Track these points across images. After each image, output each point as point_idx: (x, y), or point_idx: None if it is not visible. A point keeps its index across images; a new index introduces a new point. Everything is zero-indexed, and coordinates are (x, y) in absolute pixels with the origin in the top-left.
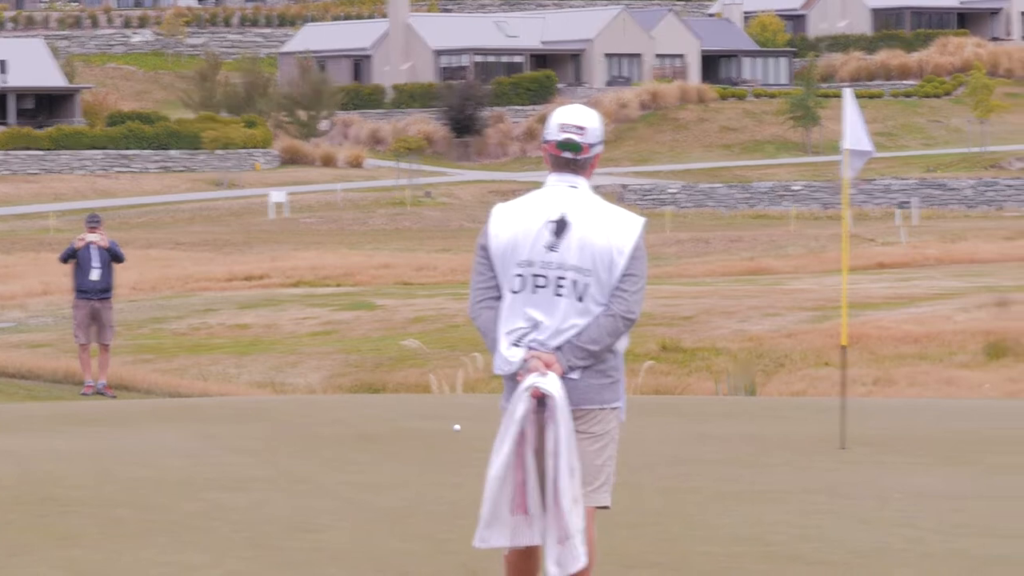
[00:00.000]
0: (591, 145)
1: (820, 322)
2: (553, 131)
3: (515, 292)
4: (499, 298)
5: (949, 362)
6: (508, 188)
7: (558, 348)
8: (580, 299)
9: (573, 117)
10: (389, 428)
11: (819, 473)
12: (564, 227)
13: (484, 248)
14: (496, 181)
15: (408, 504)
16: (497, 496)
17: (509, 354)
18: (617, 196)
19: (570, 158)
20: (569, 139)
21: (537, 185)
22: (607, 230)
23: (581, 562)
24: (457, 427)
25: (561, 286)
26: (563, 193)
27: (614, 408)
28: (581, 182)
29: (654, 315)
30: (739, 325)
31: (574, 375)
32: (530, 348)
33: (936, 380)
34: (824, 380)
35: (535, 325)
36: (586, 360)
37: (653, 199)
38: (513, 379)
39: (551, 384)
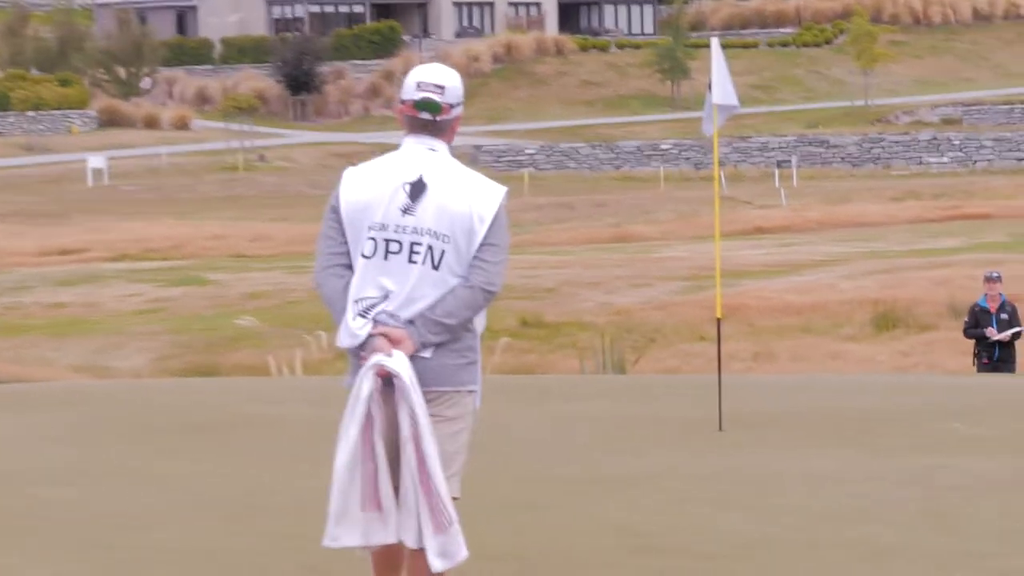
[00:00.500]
0: (451, 105)
1: (694, 293)
2: (410, 90)
3: (367, 257)
4: (348, 267)
5: (835, 335)
6: (351, 150)
7: (410, 321)
8: (436, 267)
9: (432, 75)
10: (224, 414)
11: (696, 457)
12: (421, 189)
13: (335, 211)
14: (338, 143)
15: (247, 497)
16: (347, 489)
17: (355, 325)
18: (469, 158)
19: (428, 119)
20: (427, 99)
21: (383, 147)
22: (468, 195)
23: (464, 551)
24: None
25: (416, 252)
26: (421, 156)
27: (470, 391)
28: (440, 145)
29: (513, 287)
30: (605, 297)
31: (426, 353)
32: (377, 321)
33: (821, 354)
34: (699, 356)
35: (385, 295)
36: (441, 335)
37: (509, 161)
38: (358, 354)
39: (398, 363)
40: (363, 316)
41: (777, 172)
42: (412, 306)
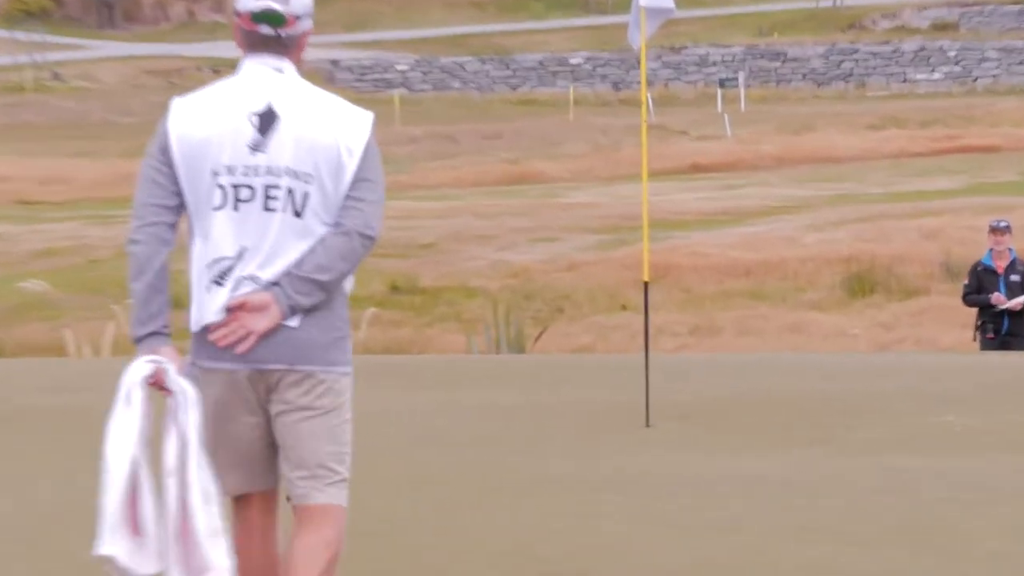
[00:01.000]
0: (298, 17)
1: (613, 249)
2: (252, 2)
3: (216, 208)
4: (174, 225)
5: (795, 302)
6: (171, 66)
7: (275, 284)
8: (298, 214)
9: None
10: (7, 407)
11: (614, 459)
12: (272, 120)
13: (163, 152)
14: (154, 57)
15: (37, 513)
16: (121, 500)
17: (209, 298)
18: (323, 77)
19: (270, 34)
20: (268, 8)
21: (212, 63)
22: (330, 124)
23: None
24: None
25: (272, 197)
26: (266, 79)
27: (345, 373)
28: (287, 66)
29: (380, 243)
30: (499, 255)
31: (293, 322)
32: (220, 285)
33: (777, 327)
34: (620, 330)
35: (240, 254)
36: (313, 296)
37: (375, 80)
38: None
39: (173, 376)
40: (219, 283)
41: (720, 93)
42: (274, 264)
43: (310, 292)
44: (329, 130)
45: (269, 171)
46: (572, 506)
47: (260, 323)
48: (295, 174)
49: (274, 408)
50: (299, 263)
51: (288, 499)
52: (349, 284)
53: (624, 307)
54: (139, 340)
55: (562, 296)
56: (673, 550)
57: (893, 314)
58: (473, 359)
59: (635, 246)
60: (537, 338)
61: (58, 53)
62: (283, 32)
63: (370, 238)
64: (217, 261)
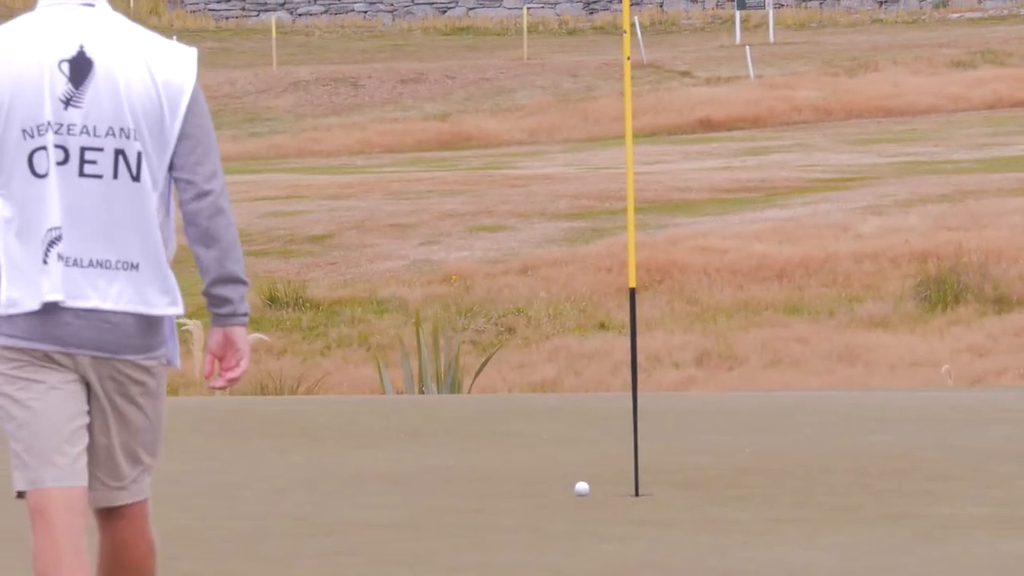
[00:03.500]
0: None
1: (586, 242)
2: None
3: (35, 175)
4: None
5: (849, 315)
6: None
7: (104, 263)
8: (136, 177)
9: None
10: None
11: (592, 546)
12: (86, 67)
13: None
14: None
15: None
16: None
17: (29, 278)
18: (166, 4)
19: None
20: None
21: None
22: (152, 65)
23: None
24: (582, 488)
25: (91, 161)
26: (74, 16)
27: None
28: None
29: (251, 235)
30: (424, 251)
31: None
32: (65, 259)
33: (823, 354)
34: (598, 359)
35: (58, 227)
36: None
37: (239, 6)
38: (29, 318)
39: None
40: (43, 262)
41: (739, 16)
42: (109, 238)
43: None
44: (151, 74)
45: (86, 129)
46: None
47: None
48: (122, 132)
49: None
50: (215, 252)
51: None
52: (172, 246)
53: (603, 325)
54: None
55: (514, 310)
56: None
57: (989, 333)
58: (388, 401)
59: (618, 238)
60: (478, 372)
61: None
62: None
63: (222, 195)
64: (39, 233)
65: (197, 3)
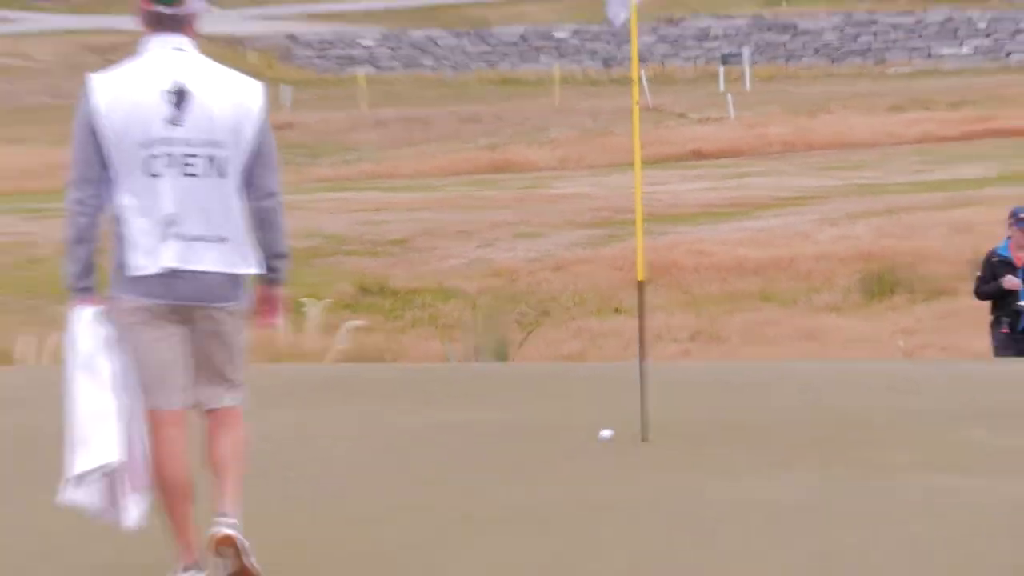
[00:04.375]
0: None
1: (604, 245)
2: None
3: (152, 176)
4: (106, 193)
5: (809, 304)
6: (110, 42)
7: (215, 237)
8: (221, 175)
9: None
10: None
11: (608, 483)
12: (184, 96)
13: (90, 127)
14: (92, 32)
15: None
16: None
17: (152, 250)
18: (280, 54)
19: (167, 13)
20: None
21: None
22: (230, 94)
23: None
24: (606, 433)
25: (194, 160)
26: (171, 57)
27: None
28: (186, 43)
29: (346, 239)
30: (479, 252)
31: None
32: (180, 237)
33: (790, 333)
34: (613, 336)
35: (174, 214)
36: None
37: (338, 57)
38: (152, 280)
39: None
40: (163, 239)
41: (722, 71)
42: (209, 222)
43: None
44: (232, 101)
45: (187, 142)
46: (561, 537)
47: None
48: (211, 141)
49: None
50: (270, 237)
51: (205, 403)
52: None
53: (617, 310)
54: (78, 291)
55: (549, 298)
56: (696, 570)
57: (918, 318)
58: (450, 368)
59: (629, 242)
60: (521, 344)
61: None
62: (177, 10)
63: (280, 198)
64: (159, 219)
65: (303, 59)
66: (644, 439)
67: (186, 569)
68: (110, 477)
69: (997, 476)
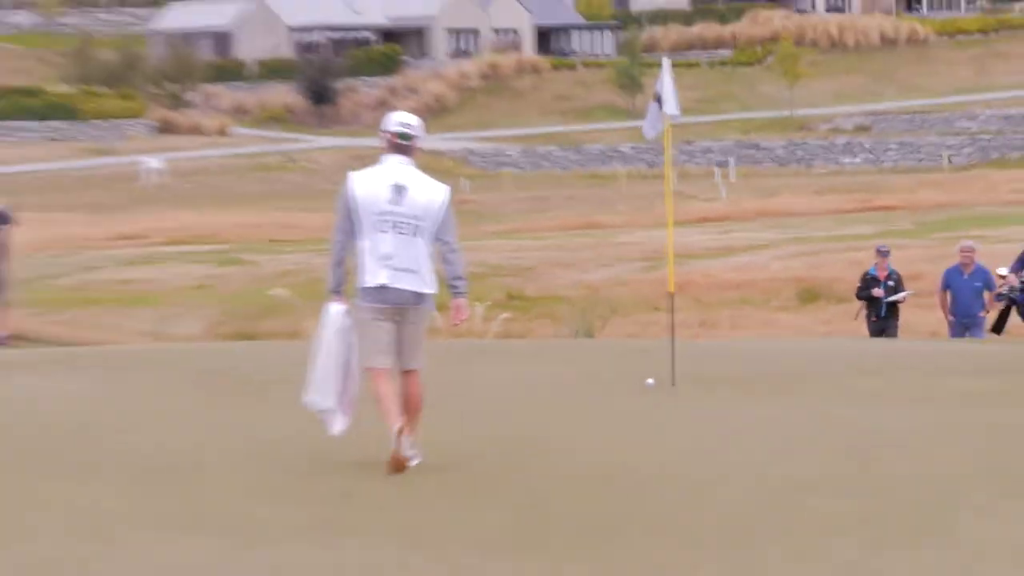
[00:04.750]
0: (416, 137)
1: (649, 271)
2: (393, 125)
3: (381, 232)
4: (352, 240)
5: (767, 306)
6: (365, 153)
7: (411, 270)
8: (420, 235)
9: (407, 119)
10: (263, 372)
11: (652, 408)
12: (403, 189)
13: (347, 203)
14: (354, 147)
15: (282, 440)
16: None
17: (380, 273)
18: (462, 159)
19: (405, 144)
20: (403, 133)
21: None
22: (430, 190)
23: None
24: (650, 382)
25: (406, 226)
26: (399, 167)
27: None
28: (408, 160)
29: (499, 267)
30: (577, 275)
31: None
32: (392, 267)
33: (756, 322)
34: (654, 324)
35: (390, 255)
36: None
37: (494, 162)
38: (373, 290)
39: (348, 313)
40: (381, 267)
41: (718, 171)
42: (408, 260)
43: (462, 280)
44: (428, 194)
45: (402, 215)
46: (626, 437)
47: (464, 310)
48: (415, 216)
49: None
50: (452, 269)
51: (399, 366)
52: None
53: (656, 309)
54: (333, 294)
55: (617, 301)
56: (693, 466)
57: (831, 314)
58: (559, 342)
59: (663, 270)
60: (601, 328)
61: (291, 145)
62: (410, 143)
63: (458, 250)
64: (381, 256)
65: (475, 162)
66: (673, 384)
67: (398, 431)
68: (336, 399)
69: (873, 407)
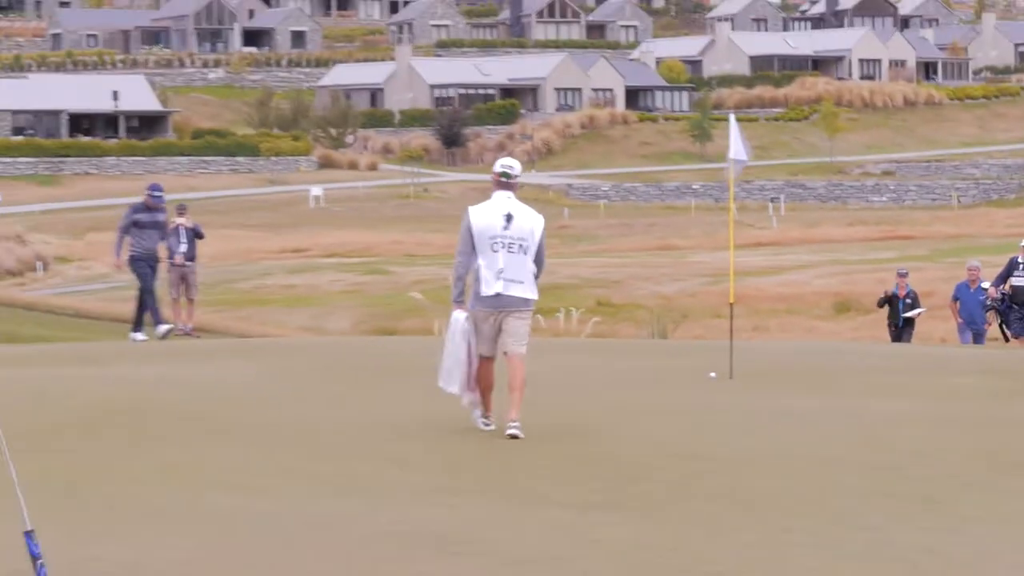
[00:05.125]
0: (516, 176)
1: (714, 285)
2: (499, 168)
3: (495, 252)
4: (473, 259)
5: (808, 315)
6: (485, 186)
7: (519, 280)
8: (526, 253)
9: (509, 163)
10: (400, 362)
11: (714, 396)
12: (511, 217)
13: (467, 229)
14: (476, 181)
15: (413, 417)
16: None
17: (491, 284)
18: (564, 192)
19: (507, 181)
20: (506, 173)
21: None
22: (530, 219)
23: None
24: (713, 375)
25: (513, 247)
26: (506, 200)
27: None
28: (512, 194)
29: (591, 279)
30: (654, 287)
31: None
32: (505, 279)
33: (799, 328)
34: (717, 328)
35: (503, 269)
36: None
37: (591, 195)
38: (489, 298)
39: (467, 317)
40: (497, 279)
41: (771, 205)
42: (517, 273)
43: (535, 281)
44: (530, 222)
45: (511, 238)
46: (691, 420)
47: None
48: (520, 239)
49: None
50: (535, 274)
51: (505, 353)
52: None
53: (719, 316)
54: (455, 302)
55: (687, 309)
56: (744, 443)
57: (860, 322)
58: (639, 341)
59: (725, 284)
60: (673, 331)
61: (426, 178)
62: (511, 181)
63: (544, 264)
64: (495, 271)
65: (574, 195)
66: (731, 377)
67: (486, 417)
68: (460, 384)
69: (893, 398)
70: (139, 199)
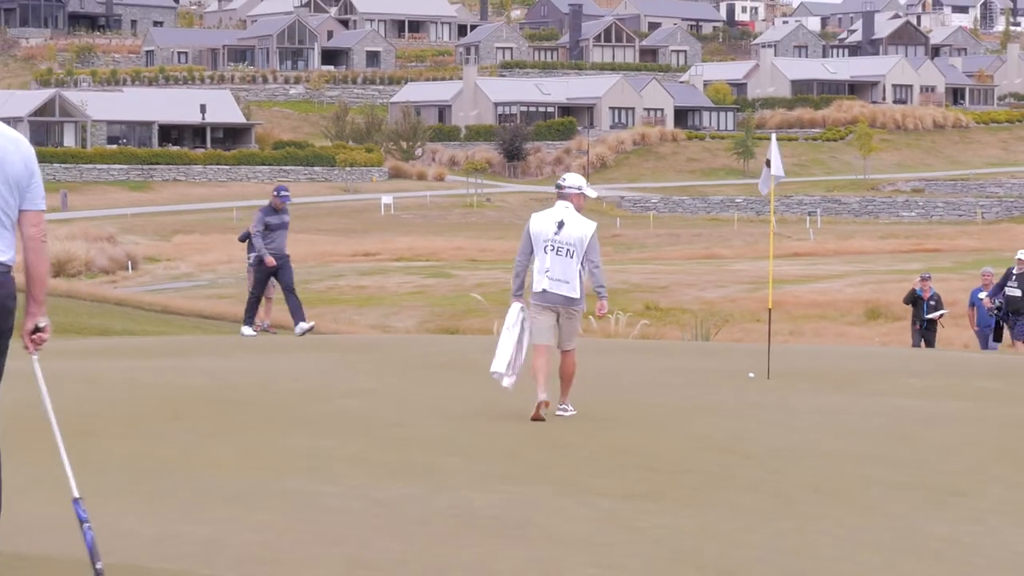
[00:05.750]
0: (571, 187)
1: (753, 292)
2: (561, 181)
3: (545, 253)
4: (530, 259)
5: (841, 321)
6: (543, 196)
7: (564, 280)
8: (572, 257)
9: (568, 176)
10: (462, 359)
11: (753, 394)
12: (563, 224)
13: (527, 233)
14: (535, 192)
15: (473, 410)
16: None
17: (542, 281)
18: (617, 204)
19: (559, 192)
20: (559, 183)
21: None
22: (582, 226)
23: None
24: (752, 375)
25: (562, 250)
26: (562, 209)
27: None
28: (569, 204)
29: (640, 285)
30: (698, 293)
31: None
32: (550, 278)
33: (832, 333)
34: (756, 331)
35: (549, 268)
36: (604, 287)
37: (641, 206)
38: (538, 293)
39: (524, 310)
40: (544, 277)
41: (808, 219)
42: (566, 274)
43: (604, 287)
44: (580, 229)
45: (562, 242)
46: (731, 416)
47: (605, 306)
48: (571, 243)
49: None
50: (596, 279)
51: (559, 347)
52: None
53: (758, 320)
54: (514, 297)
55: (728, 314)
56: (780, 438)
57: (889, 328)
58: (685, 343)
59: (764, 291)
60: (715, 334)
61: (490, 189)
62: (569, 192)
63: (600, 266)
64: (546, 269)
65: (626, 206)
66: (768, 377)
67: (540, 402)
68: (508, 366)
69: (921, 399)
70: (265, 202)
